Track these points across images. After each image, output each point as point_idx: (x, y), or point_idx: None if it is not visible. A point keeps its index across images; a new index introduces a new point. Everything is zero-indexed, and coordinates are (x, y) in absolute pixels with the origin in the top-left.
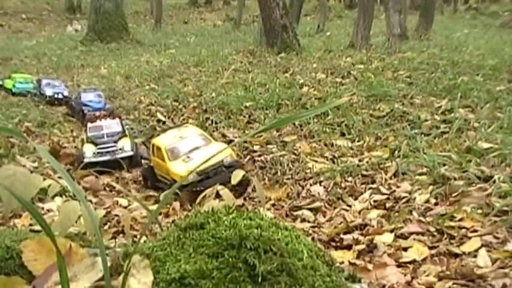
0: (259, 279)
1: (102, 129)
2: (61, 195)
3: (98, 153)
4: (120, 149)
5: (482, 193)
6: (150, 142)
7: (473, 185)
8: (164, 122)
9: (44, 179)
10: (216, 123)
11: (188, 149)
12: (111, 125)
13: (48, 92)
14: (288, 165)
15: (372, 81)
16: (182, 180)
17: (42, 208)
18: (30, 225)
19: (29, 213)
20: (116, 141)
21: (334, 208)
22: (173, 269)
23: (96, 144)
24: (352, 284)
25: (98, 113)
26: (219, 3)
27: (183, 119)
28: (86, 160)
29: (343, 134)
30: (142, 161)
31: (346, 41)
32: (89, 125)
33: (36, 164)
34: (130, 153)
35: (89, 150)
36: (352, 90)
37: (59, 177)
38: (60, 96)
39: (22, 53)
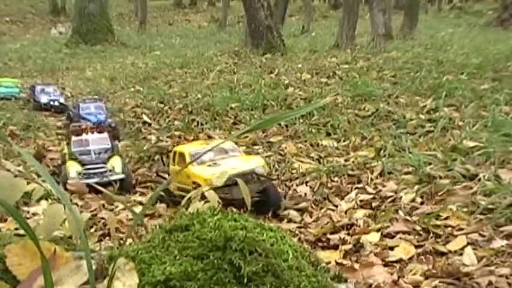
0: (245, 281)
1: (88, 145)
2: (46, 199)
3: (84, 174)
4: (110, 170)
5: (468, 191)
6: (171, 152)
7: (459, 183)
8: (150, 124)
9: (28, 183)
10: (201, 124)
11: (215, 156)
12: (99, 140)
13: (43, 99)
14: (274, 165)
15: (357, 81)
16: (206, 185)
17: (28, 212)
18: (16, 229)
19: (12, 217)
20: (104, 161)
21: (321, 208)
22: (158, 271)
23: (82, 164)
24: (338, 284)
25: (84, 125)
26: (204, 5)
27: (169, 121)
28: (69, 181)
29: (328, 134)
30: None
31: (331, 41)
32: (74, 138)
33: (21, 168)
34: (121, 175)
35: (73, 171)
36: (337, 90)
37: (44, 181)
38: (56, 103)
39: (6, 56)
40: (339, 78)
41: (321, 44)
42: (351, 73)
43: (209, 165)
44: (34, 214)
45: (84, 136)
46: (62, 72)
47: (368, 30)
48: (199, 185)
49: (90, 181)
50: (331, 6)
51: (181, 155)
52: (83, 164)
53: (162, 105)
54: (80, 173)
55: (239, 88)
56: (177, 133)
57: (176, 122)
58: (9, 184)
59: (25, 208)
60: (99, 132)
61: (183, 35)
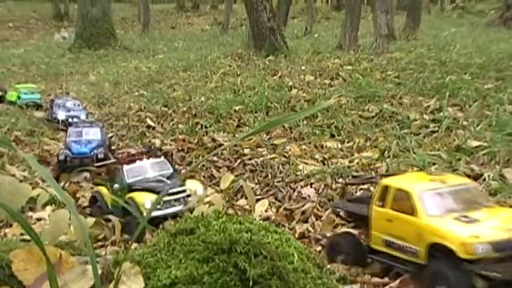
0: (250, 283)
1: (146, 172)
2: (51, 204)
3: (164, 202)
4: (189, 195)
5: None
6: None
7: None
8: (154, 128)
9: (33, 188)
10: (205, 127)
11: (461, 204)
12: (159, 166)
13: (61, 115)
14: (278, 167)
15: (361, 82)
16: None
17: (31, 217)
18: (21, 234)
19: (18, 223)
20: (182, 185)
21: (326, 210)
22: (164, 275)
23: (154, 192)
24: (343, 285)
25: (132, 151)
26: (207, 8)
27: (173, 124)
28: (152, 215)
29: (332, 136)
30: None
31: (334, 43)
32: (126, 167)
33: (26, 173)
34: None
35: (148, 201)
36: (340, 92)
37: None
38: (75, 120)
39: (9, 62)
40: (343, 79)
41: (324, 46)
42: (354, 74)
43: (459, 219)
44: (39, 219)
45: (138, 163)
46: (65, 77)
47: (371, 31)
48: (439, 247)
49: (173, 210)
50: (334, 8)
51: (401, 193)
52: (155, 192)
53: (166, 109)
54: (158, 203)
55: (243, 90)
56: (181, 136)
57: (180, 125)
58: (13, 189)
59: (30, 213)
60: (154, 156)
61: (186, 39)
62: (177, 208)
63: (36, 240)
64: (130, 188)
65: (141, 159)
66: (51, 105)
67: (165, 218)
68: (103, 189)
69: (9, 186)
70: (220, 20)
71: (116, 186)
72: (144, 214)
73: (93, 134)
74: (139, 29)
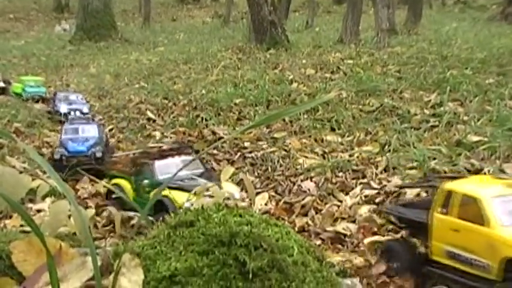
0: (250, 276)
1: (176, 167)
2: (51, 196)
3: None
4: (228, 199)
5: None
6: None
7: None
8: (154, 120)
9: (33, 180)
10: (206, 120)
11: None
12: (190, 164)
13: (63, 108)
14: (278, 161)
15: (361, 76)
16: None
17: (31, 208)
18: (21, 226)
19: (18, 214)
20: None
21: (325, 204)
22: (164, 267)
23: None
24: (343, 279)
25: (163, 146)
26: (207, 0)
27: (173, 117)
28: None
29: (333, 129)
30: None
31: (335, 37)
32: (158, 163)
33: (26, 165)
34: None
35: (188, 203)
36: (341, 86)
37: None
38: (78, 113)
39: (10, 53)
40: (343, 73)
41: (325, 39)
42: (355, 68)
43: None
44: (39, 211)
45: (169, 160)
46: (66, 69)
47: (372, 25)
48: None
49: None
50: (335, 1)
51: (468, 199)
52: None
53: (166, 101)
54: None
55: (243, 84)
56: (181, 129)
57: (180, 118)
58: (13, 181)
59: (30, 205)
60: (185, 153)
61: (186, 31)
62: None
63: (36, 232)
64: (158, 185)
65: (172, 155)
66: (54, 98)
67: None
68: (123, 183)
69: (10, 178)
70: (221, 13)
71: (146, 181)
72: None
73: (90, 131)
74: (140, 21)
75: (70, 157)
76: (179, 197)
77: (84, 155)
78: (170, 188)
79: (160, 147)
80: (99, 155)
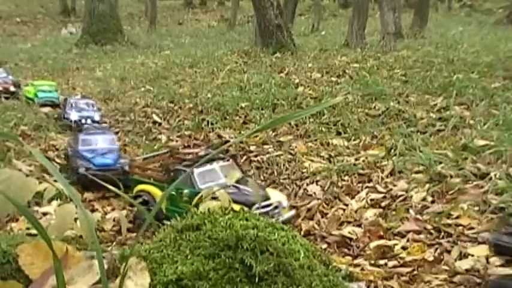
0: (256, 280)
1: (218, 177)
2: (57, 199)
3: None
4: (276, 207)
5: (479, 190)
6: None
7: (470, 182)
8: (160, 124)
9: (40, 183)
10: (211, 124)
11: None
12: (227, 169)
13: (73, 115)
14: (284, 165)
15: (367, 80)
16: None
17: (37, 211)
18: (28, 229)
19: (25, 217)
20: (267, 197)
21: (331, 207)
22: (170, 270)
23: (244, 204)
24: (349, 283)
25: (199, 151)
26: (214, 4)
27: (179, 121)
28: None
29: (339, 133)
30: None
31: (341, 40)
32: (197, 171)
33: (32, 168)
34: (292, 212)
35: None
36: (347, 89)
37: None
38: (89, 121)
39: (17, 57)
40: (349, 77)
41: (331, 43)
42: (361, 72)
43: None
44: (45, 214)
45: (208, 167)
46: (72, 73)
47: (378, 29)
48: None
49: None
50: (341, 5)
51: None
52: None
53: (172, 105)
54: None
55: (249, 87)
56: (187, 133)
57: (186, 122)
58: (20, 184)
59: (36, 208)
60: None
61: (192, 35)
62: None
63: (43, 235)
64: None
65: (210, 161)
66: (64, 105)
67: None
68: (152, 190)
69: (16, 181)
70: (227, 17)
71: (186, 191)
72: None
73: (110, 141)
74: (146, 25)
75: (96, 171)
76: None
77: (111, 169)
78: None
79: (196, 153)
80: (127, 168)
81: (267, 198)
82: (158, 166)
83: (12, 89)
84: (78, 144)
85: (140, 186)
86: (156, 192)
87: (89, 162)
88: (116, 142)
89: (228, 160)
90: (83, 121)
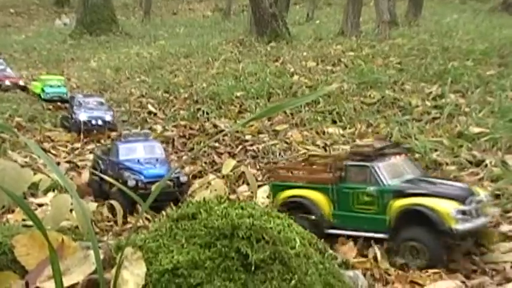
0: (252, 268)
1: (405, 171)
2: (53, 190)
3: (469, 212)
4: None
5: (474, 177)
6: None
7: (465, 169)
8: (155, 114)
9: (35, 174)
10: (207, 113)
11: None
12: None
13: (83, 116)
14: (280, 153)
15: (363, 68)
16: None
17: (32, 203)
18: (23, 220)
19: (20, 208)
20: (472, 192)
21: None
22: (166, 260)
23: (455, 200)
24: (345, 270)
25: (377, 144)
26: None
27: (174, 110)
28: (461, 227)
29: (334, 122)
30: None
31: (336, 29)
32: (382, 165)
33: (27, 159)
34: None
35: (454, 210)
36: (342, 78)
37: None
38: (99, 122)
39: (11, 48)
40: (344, 65)
41: (326, 32)
42: (356, 60)
43: None
44: (41, 205)
45: (392, 160)
46: (66, 63)
47: (373, 17)
48: None
49: (480, 222)
50: None
51: None
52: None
53: (167, 95)
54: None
55: (244, 77)
56: (182, 122)
57: (181, 112)
58: (15, 175)
59: (32, 199)
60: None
61: (187, 25)
62: (483, 220)
63: (39, 226)
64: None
65: (393, 155)
66: (71, 103)
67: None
68: (311, 194)
69: (12, 172)
70: (221, 6)
71: (372, 188)
72: (453, 225)
73: (157, 149)
74: (140, 15)
75: (148, 183)
76: (440, 204)
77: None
78: (421, 195)
79: (372, 145)
80: (183, 179)
81: (473, 193)
82: (305, 165)
83: (21, 83)
84: (118, 155)
85: (289, 192)
86: (314, 196)
87: (139, 174)
88: (162, 150)
89: (401, 154)
90: (93, 122)
